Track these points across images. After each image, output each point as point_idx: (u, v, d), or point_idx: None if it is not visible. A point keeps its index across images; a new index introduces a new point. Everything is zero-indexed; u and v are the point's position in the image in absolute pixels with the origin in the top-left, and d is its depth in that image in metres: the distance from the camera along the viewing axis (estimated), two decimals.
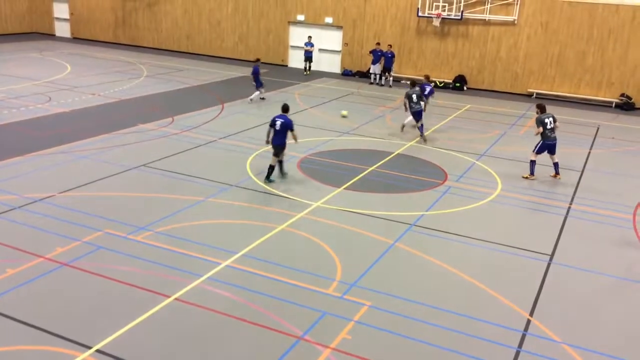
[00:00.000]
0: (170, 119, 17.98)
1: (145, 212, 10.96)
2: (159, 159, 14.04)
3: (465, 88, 26.70)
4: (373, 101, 23.00)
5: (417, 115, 17.01)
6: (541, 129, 13.92)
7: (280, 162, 13.21)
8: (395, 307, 8.30)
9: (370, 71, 26.81)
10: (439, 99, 24.24)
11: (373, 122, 19.40)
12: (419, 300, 8.53)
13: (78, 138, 15.35)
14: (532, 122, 20.90)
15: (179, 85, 23.48)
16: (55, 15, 35.85)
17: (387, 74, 26.37)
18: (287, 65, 30.14)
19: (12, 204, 10.93)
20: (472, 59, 26.66)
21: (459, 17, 25.98)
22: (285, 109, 13.27)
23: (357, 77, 28.40)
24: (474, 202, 12.61)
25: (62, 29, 35.80)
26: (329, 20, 28.77)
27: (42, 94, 20.23)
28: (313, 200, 12.05)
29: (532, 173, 14.30)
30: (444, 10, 26.14)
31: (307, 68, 27.89)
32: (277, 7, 29.61)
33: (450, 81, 26.95)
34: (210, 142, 15.83)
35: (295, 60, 29.91)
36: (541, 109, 14.25)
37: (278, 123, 12.83)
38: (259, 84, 21.04)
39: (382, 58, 26.08)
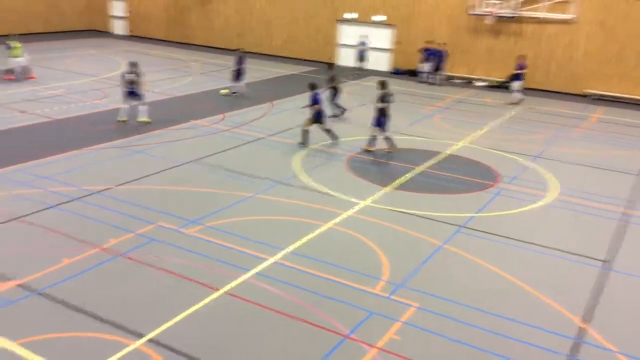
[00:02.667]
0: (221, 116, 18.27)
1: (196, 207, 11.18)
2: (210, 155, 14.29)
3: None
4: (422, 100, 22.76)
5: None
6: (380, 105, 14.98)
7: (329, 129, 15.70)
8: (444, 309, 8.21)
9: (421, 70, 26.54)
10: (489, 98, 23.80)
11: (422, 122, 19.21)
12: (467, 303, 8.41)
13: (133, 133, 15.78)
14: (587, 122, 20.36)
15: (229, 82, 23.79)
16: (112, 13, 36.94)
17: (438, 72, 26.05)
18: (335, 64, 30.10)
19: (71, 195, 11.34)
20: (526, 58, 26.00)
21: (513, 15, 25.40)
22: (315, 86, 15.69)
23: (407, 75, 28.17)
24: (526, 205, 12.32)
25: (119, 27, 36.87)
26: (378, 18, 28.62)
27: (99, 89, 20.89)
28: (361, 199, 12.03)
29: (371, 144, 15.37)
30: (498, 8, 25.61)
31: (362, 68, 27.72)
32: (326, 5, 29.66)
33: (504, 80, 26.37)
34: (260, 139, 16.01)
35: (344, 58, 29.88)
36: (383, 85, 15.18)
37: (322, 97, 15.53)
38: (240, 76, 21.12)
39: (434, 57, 25.77)
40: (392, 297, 8.43)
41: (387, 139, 15.35)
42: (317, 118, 15.51)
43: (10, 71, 21.51)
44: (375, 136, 15.32)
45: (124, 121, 16.63)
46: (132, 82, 16.39)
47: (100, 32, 36.94)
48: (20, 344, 6.87)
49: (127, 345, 6.97)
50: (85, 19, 37.28)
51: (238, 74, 21.02)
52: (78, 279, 8.40)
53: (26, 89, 20.13)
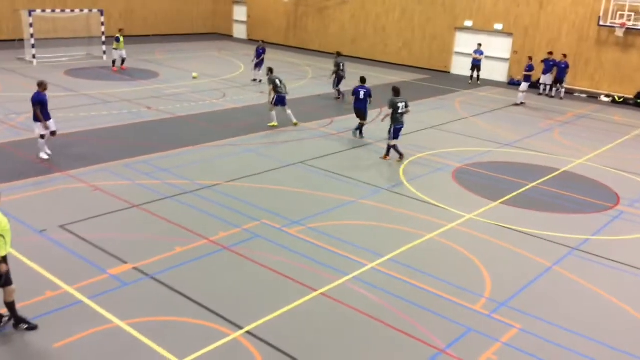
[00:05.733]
0: (329, 120, 18.53)
1: (299, 207, 11.42)
2: (317, 158, 14.54)
3: None
4: (541, 113, 21.73)
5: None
6: (391, 112, 14.32)
7: (362, 126, 16.47)
8: (548, 333, 7.77)
9: (540, 81, 25.32)
10: (617, 115, 22.24)
11: (539, 136, 18.33)
12: (574, 329, 7.90)
13: (246, 132, 16.42)
14: None
15: (342, 87, 24.04)
16: (235, 17, 38.72)
17: (559, 85, 24.75)
18: (449, 72, 29.57)
19: (185, 188, 12.01)
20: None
21: None
22: (364, 80, 16.72)
23: None
24: None
25: (240, 31, 38.58)
26: (498, 26, 27.70)
27: (218, 90, 21.97)
28: (466, 212, 11.70)
29: (401, 155, 14.67)
30: (630, 20, 23.87)
31: (477, 77, 26.96)
32: (444, 12, 29.17)
33: (632, 97, 24.56)
34: (367, 144, 16.05)
35: (459, 67, 29.24)
36: (395, 92, 14.55)
37: (362, 92, 16.26)
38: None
39: (555, 68, 24.53)
40: (493, 315, 8.11)
41: (395, 146, 14.61)
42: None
43: (114, 62, 24.57)
44: (392, 145, 14.59)
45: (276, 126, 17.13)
46: (280, 87, 16.96)
47: (222, 36, 38.84)
48: (129, 324, 7.37)
49: (226, 335, 7.26)
50: (210, 23, 39.38)
51: (258, 64, 23.53)
52: (187, 267, 8.88)
53: (152, 87, 21.61)
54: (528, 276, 9.31)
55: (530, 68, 23.08)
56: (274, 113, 17.07)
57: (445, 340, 7.46)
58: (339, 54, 21.68)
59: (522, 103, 22.90)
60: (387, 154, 14.75)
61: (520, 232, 10.98)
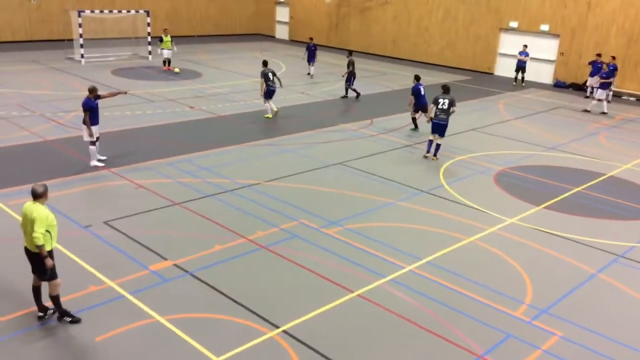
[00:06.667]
0: (369, 121, 18.47)
1: (338, 208, 11.42)
2: (356, 158, 14.51)
3: None
4: (587, 116, 21.14)
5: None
6: (432, 107, 14.71)
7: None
8: (591, 342, 7.55)
9: (587, 84, 24.64)
10: None
11: (585, 140, 17.84)
12: (617, 338, 7.66)
13: (286, 133, 16.53)
14: None
15: (381, 88, 24.00)
16: (277, 18, 38.99)
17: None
18: (493, 73, 29.08)
19: (226, 187, 12.16)
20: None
21: None
22: (420, 77, 17.19)
23: (570, 89, 26.34)
24: None
25: (282, 32, 38.84)
26: (544, 27, 27.08)
27: (259, 90, 22.11)
28: (507, 216, 11.48)
29: (428, 151, 14.96)
30: None
31: (521, 79, 26.43)
32: (489, 13, 28.70)
33: None
34: (407, 146, 15.93)
35: (503, 68, 28.73)
36: (442, 89, 14.85)
37: (422, 89, 16.84)
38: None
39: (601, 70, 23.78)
40: (534, 322, 7.94)
41: (438, 145, 14.83)
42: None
43: (165, 61, 25.23)
44: (431, 141, 14.85)
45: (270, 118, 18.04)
46: (272, 81, 17.83)
47: (264, 36, 39.17)
48: (168, 319, 7.51)
49: (263, 334, 7.32)
50: (253, 24, 39.78)
51: (311, 58, 25.29)
52: (226, 265, 8.99)
53: (196, 87, 21.97)
54: (571, 283, 9.07)
55: (608, 74, 21.45)
56: (267, 105, 17.94)
57: (483, 346, 7.34)
58: (351, 53, 22.16)
59: (604, 112, 21.42)
60: (429, 150, 14.96)
61: (563, 237, 10.71)
